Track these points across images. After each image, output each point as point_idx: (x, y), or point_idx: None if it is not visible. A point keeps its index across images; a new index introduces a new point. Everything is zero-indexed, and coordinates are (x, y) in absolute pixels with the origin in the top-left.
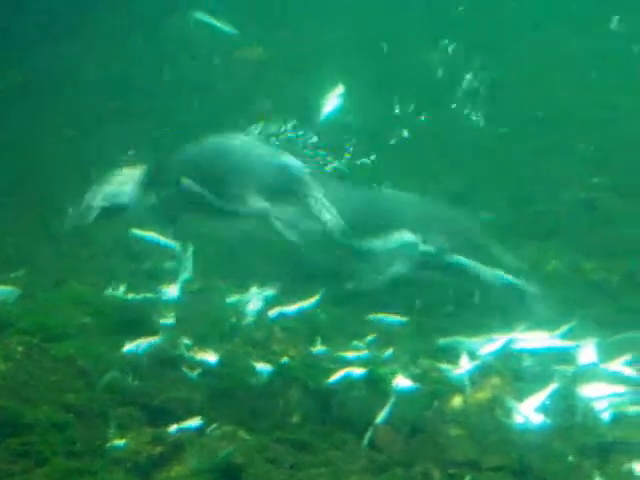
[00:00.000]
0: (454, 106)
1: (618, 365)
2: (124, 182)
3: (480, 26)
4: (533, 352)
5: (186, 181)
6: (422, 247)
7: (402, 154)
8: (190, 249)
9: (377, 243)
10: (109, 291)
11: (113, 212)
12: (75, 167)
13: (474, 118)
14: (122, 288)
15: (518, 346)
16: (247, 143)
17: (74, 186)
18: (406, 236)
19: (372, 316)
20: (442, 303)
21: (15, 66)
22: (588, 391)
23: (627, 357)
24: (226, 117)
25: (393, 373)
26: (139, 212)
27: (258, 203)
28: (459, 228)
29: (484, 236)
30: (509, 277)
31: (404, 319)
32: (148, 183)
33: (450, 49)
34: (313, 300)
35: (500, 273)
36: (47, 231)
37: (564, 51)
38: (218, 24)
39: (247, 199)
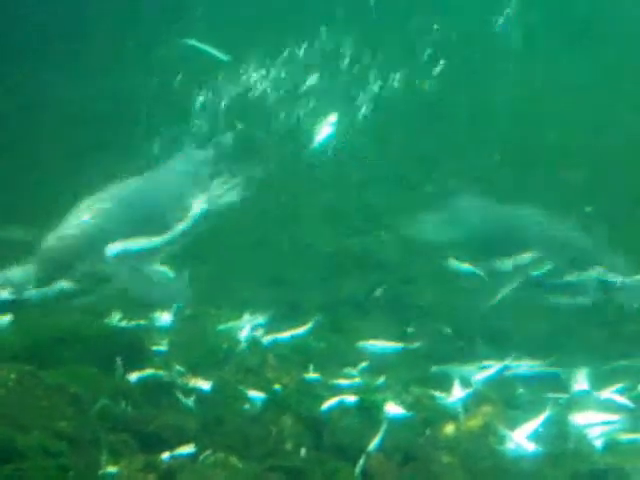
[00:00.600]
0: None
1: (610, 393)
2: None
3: (473, 51)
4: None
5: None
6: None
7: None
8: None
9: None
10: (103, 318)
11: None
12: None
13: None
14: (116, 315)
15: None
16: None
17: None
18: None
19: (364, 344)
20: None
21: None
22: (581, 419)
23: (619, 385)
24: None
25: (385, 400)
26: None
27: None
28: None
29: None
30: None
31: (398, 346)
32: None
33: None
34: (306, 327)
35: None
36: None
37: (559, 76)
38: (211, 50)
39: None
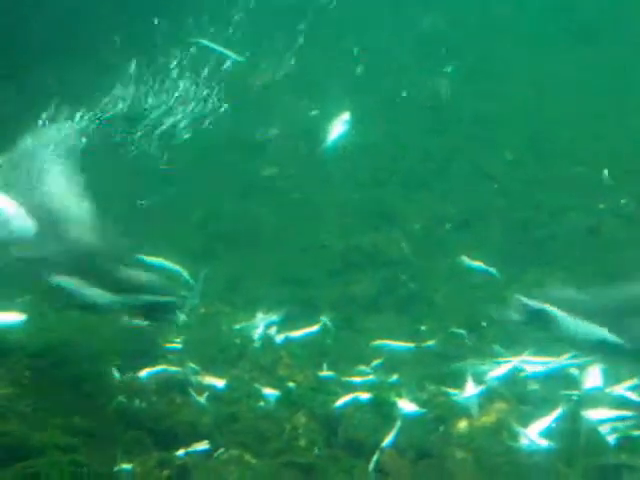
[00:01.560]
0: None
1: (623, 389)
2: None
3: (480, 51)
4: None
5: None
6: None
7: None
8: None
9: None
10: (116, 315)
11: None
12: None
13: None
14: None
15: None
16: None
17: None
18: None
19: (378, 342)
20: None
21: None
22: (593, 415)
23: (632, 381)
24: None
25: (399, 397)
26: None
27: None
28: None
29: None
30: None
31: (410, 345)
32: None
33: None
34: (319, 325)
35: None
36: None
37: (564, 77)
38: (224, 50)
39: None
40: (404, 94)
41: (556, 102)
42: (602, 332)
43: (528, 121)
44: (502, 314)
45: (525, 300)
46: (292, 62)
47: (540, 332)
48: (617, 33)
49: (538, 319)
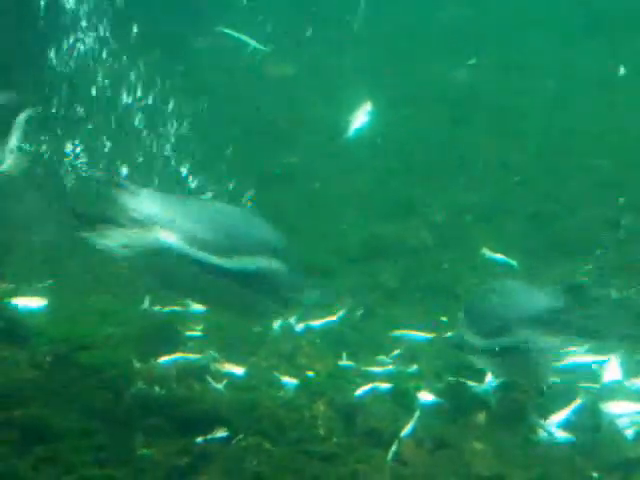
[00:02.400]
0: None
1: None
2: None
3: (507, 44)
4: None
5: None
6: None
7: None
8: None
9: None
10: (137, 303)
11: None
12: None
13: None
14: (149, 300)
15: None
16: None
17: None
18: None
19: (398, 332)
20: None
21: None
22: (612, 408)
23: None
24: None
25: (418, 388)
26: None
27: None
28: None
29: None
30: None
31: (429, 335)
32: None
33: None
34: (339, 314)
35: None
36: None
37: (590, 69)
38: (247, 40)
39: None
40: (427, 85)
41: (578, 94)
42: None
43: (550, 113)
44: None
45: None
46: (314, 53)
47: None
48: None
49: None
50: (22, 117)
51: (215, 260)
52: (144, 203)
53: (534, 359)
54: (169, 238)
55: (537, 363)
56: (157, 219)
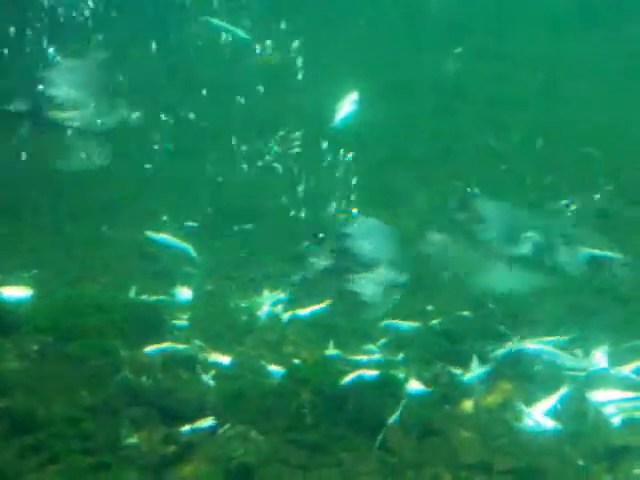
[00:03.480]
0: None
1: (628, 371)
2: None
3: (495, 32)
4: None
5: None
6: None
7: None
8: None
9: None
10: (124, 292)
11: None
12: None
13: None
14: (135, 289)
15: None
16: None
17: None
18: None
19: (385, 322)
20: None
21: None
22: (598, 396)
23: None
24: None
25: (405, 376)
26: None
27: None
28: None
29: None
30: None
31: (416, 324)
32: None
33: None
34: (326, 303)
35: None
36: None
37: (580, 58)
38: (232, 29)
39: None
40: (414, 74)
41: (567, 83)
42: None
43: (538, 102)
44: None
45: None
46: (301, 42)
47: None
48: (627, 16)
49: None
50: None
51: None
52: None
53: None
54: None
55: None
56: None
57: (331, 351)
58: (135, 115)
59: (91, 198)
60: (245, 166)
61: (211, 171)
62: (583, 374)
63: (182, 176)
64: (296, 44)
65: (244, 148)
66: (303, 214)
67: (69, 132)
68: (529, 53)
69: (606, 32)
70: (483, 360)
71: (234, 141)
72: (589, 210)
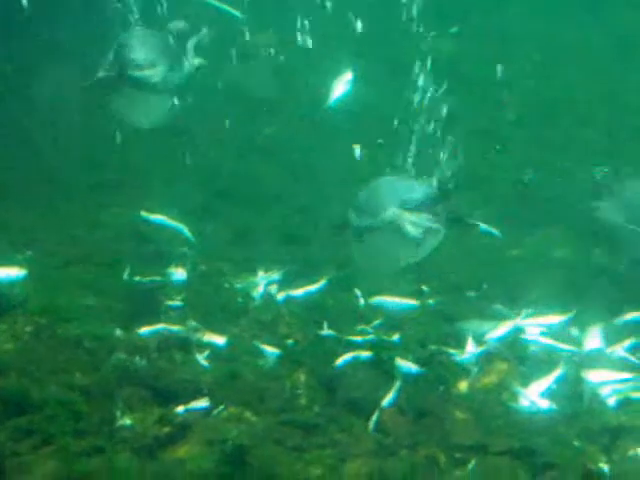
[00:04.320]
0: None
1: (623, 351)
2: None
3: (490, 13)
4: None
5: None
6: None
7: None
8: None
9: None
10: (118, 273)
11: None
12: (83, 148)
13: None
14: (129, 270)
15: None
16: None
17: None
18: None
19: (377, 299)
20: None
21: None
22: (594, 376)
23: (630, 341)
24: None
25: (400, 357)
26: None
27: None
28: None
29: None
30: None
31: (413, 303)
32: None
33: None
34: (320, 283)
35: None
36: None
37: (574, 39)
38: (224, 7)
39: None
40: (408, 54)
41: (562, 64)
42: None
43: (534, 83)
44: None
45: None
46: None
47: None
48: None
49: None
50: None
51: None
52: None
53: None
54: None
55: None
56: None
57: (325, 331)
58: None
59: None
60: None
61: (204, 151)
62: (577, 357)
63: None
64: (290, 25)
65: (237, 130)
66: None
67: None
68: (526, 33)
69: (600, 14)
70: (479, 341)
71: (227, 124)
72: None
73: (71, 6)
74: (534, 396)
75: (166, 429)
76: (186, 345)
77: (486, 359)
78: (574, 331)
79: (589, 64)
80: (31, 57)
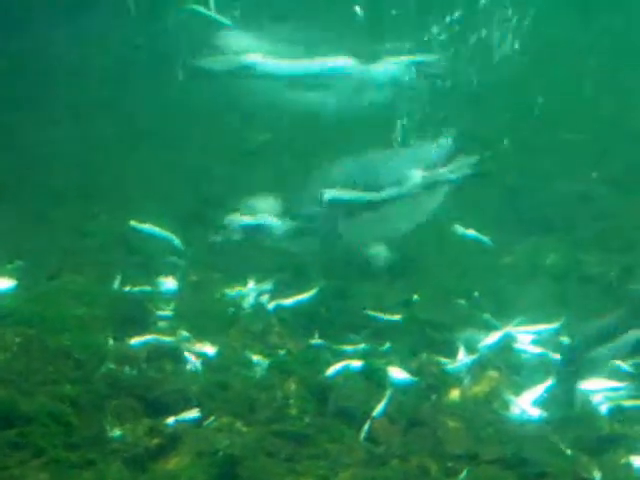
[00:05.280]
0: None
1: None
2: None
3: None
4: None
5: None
6: None
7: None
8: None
9: None
10: (107, 283)
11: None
12: (72, 156)
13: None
14: (119, 280)
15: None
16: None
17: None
18: None
19: (370, 312)
20: None
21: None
22: (585, 385)
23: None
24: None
25: (390, 366)
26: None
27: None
28: None
29: None
30: None
31: (400, 317)
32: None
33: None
34: (311, 293)
35: None
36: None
37: (564, 38)
38: (213, 15)
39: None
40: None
41: (549, 66)
42: None
43: (521, 87)
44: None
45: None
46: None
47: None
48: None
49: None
50: None
51: None
52: None
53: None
54: None
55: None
56: None
57: (316, 341)
58: None
59: None
60: (229, 152)
61: (195, 158)
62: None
63: (165, 162)
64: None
65: (228, 135)
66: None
67: None
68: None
69: (590, 16)
70: (470, 349)
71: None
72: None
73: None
74: (526, 405)
75: (156, 440)
76: (176, 355)
77: (477, 368)
78: (565, 339)
79: (577, 63)
80: (25, 55)
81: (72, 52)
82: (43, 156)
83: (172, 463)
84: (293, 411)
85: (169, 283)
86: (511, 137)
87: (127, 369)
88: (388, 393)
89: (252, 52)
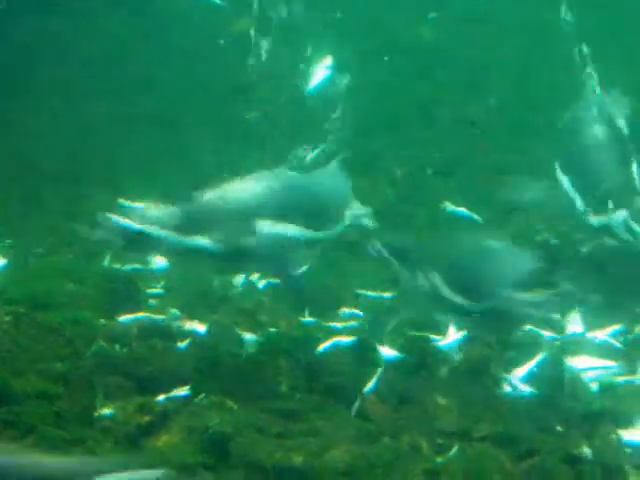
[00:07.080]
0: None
1: (605, 335)
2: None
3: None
4: None
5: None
6: None
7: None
8: None
9: None
10: (97, 261)
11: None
12: (62, 140)
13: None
14: (109, 258)
15: None
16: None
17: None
18: None
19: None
20: None
21: None
22: (576, 362)
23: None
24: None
25: (381, 343)
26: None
27: None
28: None
29: None
30: None
31: (390, 295)
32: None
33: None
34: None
35: None
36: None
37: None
38: None
39: None
40: (388, 39)
41: (544, 49)
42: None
43: (514, 68)
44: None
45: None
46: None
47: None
48: None
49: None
50: None
51: None
52: None
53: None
54: None
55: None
56: None
57: (307, 318)
58: None
59: None
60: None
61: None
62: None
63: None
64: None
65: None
66: None
67: None
68: (507, 17)
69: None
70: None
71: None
72: None
73: None
74: (516, 381)
75: (147, 417)
76: (167, 333)
77: (468, 344)
78: (556, 316)
79: (572, 48)
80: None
81: (62, 35)
82: (34, 138)
83: (162, 440)
84: (283, 388)
85: (159, 261)
86: (503, 117)
87: (117, 347)
88: (379, 370)
89: None
